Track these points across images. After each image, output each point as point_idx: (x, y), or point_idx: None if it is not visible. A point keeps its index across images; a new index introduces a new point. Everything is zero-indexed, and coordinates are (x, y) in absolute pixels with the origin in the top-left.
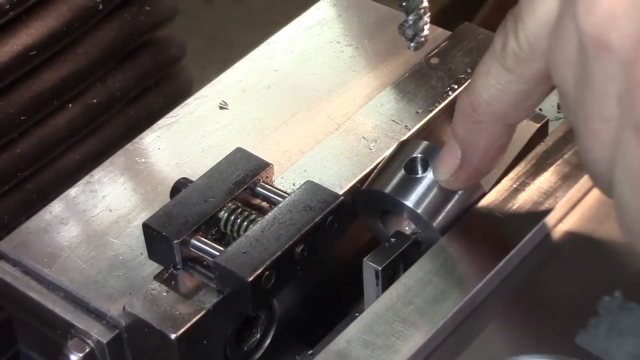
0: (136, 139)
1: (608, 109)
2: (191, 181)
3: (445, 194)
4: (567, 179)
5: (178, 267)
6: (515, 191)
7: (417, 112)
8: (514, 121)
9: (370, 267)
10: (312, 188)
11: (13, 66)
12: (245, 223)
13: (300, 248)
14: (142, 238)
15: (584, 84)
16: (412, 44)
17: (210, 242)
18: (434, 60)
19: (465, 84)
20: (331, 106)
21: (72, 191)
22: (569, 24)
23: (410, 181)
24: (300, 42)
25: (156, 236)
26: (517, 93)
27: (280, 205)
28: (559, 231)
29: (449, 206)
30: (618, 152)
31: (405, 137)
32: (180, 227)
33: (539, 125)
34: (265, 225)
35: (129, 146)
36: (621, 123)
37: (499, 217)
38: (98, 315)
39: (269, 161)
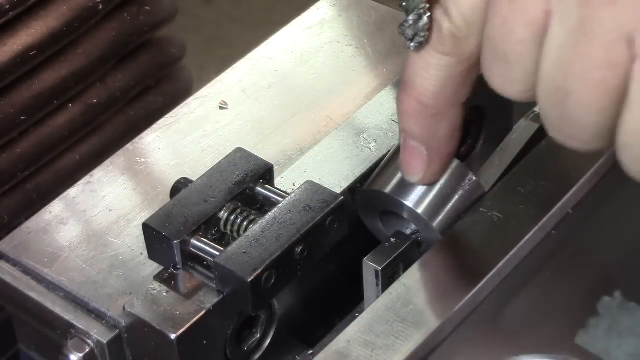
0: (136, 139)
1: (617, 52)
2: (191, 181)
3: (445, 194)
4: (567, 178)
5: (178, 267)
6: (515, 191)
7: None
8: (466, 98)
9: (370, 267)
10: (312, 188)
11: (13, 66)
12: (245, 223)
13: (300, 248)
14: (142, 238)
15: (578, 36)
16: (412, 44)
17: (210, 242)
18: None
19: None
20: (331, 106)
21: (72, 191)
22: None
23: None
24: (300, 42)
25: (156, 236)
26: (462, 73)
27: (280, 205)
28: (559, 231)
29: (449, 206)
30: (630, 92)
31: None
32: (180, 227)
33: (539, 125)
34: (265, 225)
35: (129, 146)
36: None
37: (499, 217)
38: (98, 315)
39: (269, 161)
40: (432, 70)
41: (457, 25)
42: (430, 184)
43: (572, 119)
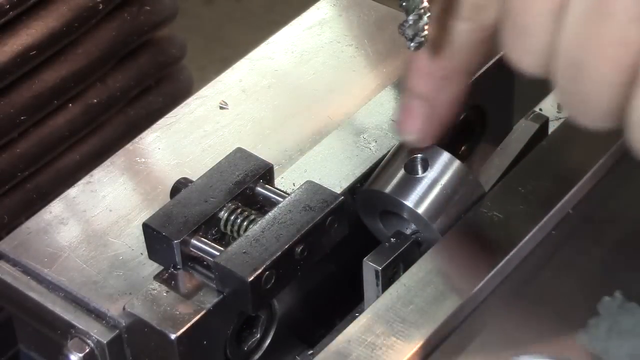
0: (136, 139)
1: (632, 32)
2: (191, 181)
3: (445, 194)
4: (567, 178)
5: (178, 267)
6: (515, 191)
7: None
8: (477, 68)
9: (370, 267)
10: (312, 188)
11: (13, 66)
12: (245, 223)
13: (300, 248)
14: (142, 238)
15: (596, 13)
16: (412, 44)
17: (210, 242)
18: None
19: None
20: (331, 106)
21: (72, 191)
22: None
23: (410, 181)
24: (300, 42)
25: (156, 236)
26: (479, 41)
27: (280, 205)
28: (559, 231)
29: (449, 206)
30: None
31: None
32: (180, 227)
33: (539, 125)
34: (265, 225)
35: (129, 146)
36: None
37: (499, 217)
38: (98, 315)
39: (269, 161)
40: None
41: None
42: (421, 145)
43: (584, 94)
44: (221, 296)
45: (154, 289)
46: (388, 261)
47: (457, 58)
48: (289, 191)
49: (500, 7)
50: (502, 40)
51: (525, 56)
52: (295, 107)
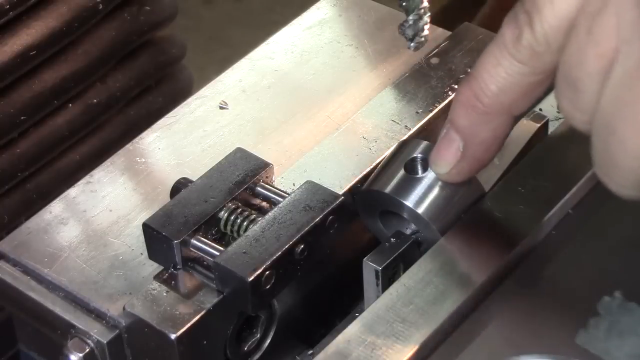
0: (136, 139)
1: None
2: (191, 181)
3: (445, 194)
4: (567, 178)
5: (178, 267)
6: (515, 191)
7: (417, 112)
8: (520, 112)
9: (370, 267)
10: (312, 188)
11: (13, 66)
12: (245, 223)
13: (300, 248)
14: (142, 238)
15: (634, 79)
16: (412, 44)
17: (210, 242)
18: (434, 60)
19: (466, 76)
20: (331, 106)
21: (72, 191)
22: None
23: (410, 181)
24: (300, 42)
25: (156, 236)
26: (528, 85)
27: (280, 205)
28: (559, 231)
29: (449, 206)
30: None
31: (405, 137)
32: (180, 227)
33: (539, 125)
34: (265, 225)
35: (129, 146)
36: None
37: (499, 217)
38: (98, 315)
39: (269, 161)
40: (501, 71)
41: (537, 40)
42: (451, 182)
43: (613, 159)
44: (221, 296)
45: (154, 289)
46: (388, 261)
47: (503, 98)
48: (289, 191)
49: (557, 58)
50: (556, 87)
51: (573, 110)
52: (295, 107)
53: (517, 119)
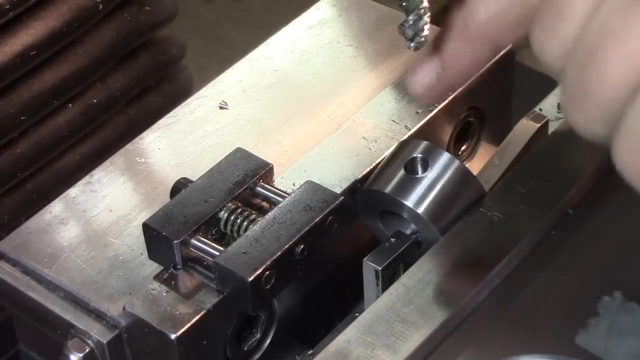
0: (136, 139)
1: None
2: (191, 181)
3: (445, 194)
4: (567, 178)
5: (178, 267)
6: (515, 191)
7: (417, 112)
8: (503, 45)
9: (370, 267)
10: (312, 188)
11: (13, 66)
12: (245, 223)
13: (300, 248)
14: (142, 238)
15: (632, 6)
16: (412, 44)
17: (210, 242)
18: None
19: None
20: (331, 106)
21: (72, 191)
22: None
23: (410, 181)
24: (300, 42)
25: (156, 236)
26: (516, 17)
27: (280, 205)
28: (559, 231)
29: (449, 206)
30: None
31: (405, 137)
32: (180, 227)
33: (539, 125)
34: (265, 225)
35: (129, 146)
36: None
37: (499, 217)
38: (98, 315)
39: (269, 161)
40: (491, 0)
41: None
42: (423, 103)
43: (587, 89)
44: (221, 296)
45: (154, 289)
46: (388, 261)
47: (489, 26)
48: (289, 191)
49: None
50: (535, 20)
51: (550, 42)
52: (295, 107)
53: (498, 51)
